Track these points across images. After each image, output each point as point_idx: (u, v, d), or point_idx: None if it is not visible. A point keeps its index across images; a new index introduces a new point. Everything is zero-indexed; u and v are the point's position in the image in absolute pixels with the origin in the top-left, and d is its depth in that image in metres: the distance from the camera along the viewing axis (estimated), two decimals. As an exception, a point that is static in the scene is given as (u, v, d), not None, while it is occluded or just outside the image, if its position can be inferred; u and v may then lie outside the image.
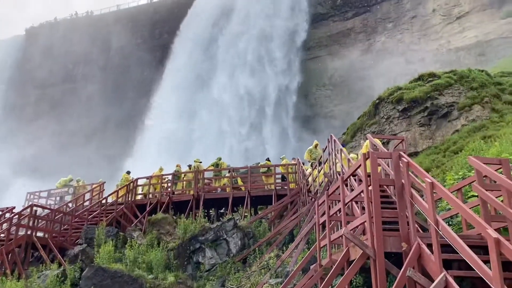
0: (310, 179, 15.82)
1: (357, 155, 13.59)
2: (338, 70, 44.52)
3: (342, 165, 11.33)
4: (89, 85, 60.83)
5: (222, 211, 20.53)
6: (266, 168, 20.43)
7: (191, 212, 18.33)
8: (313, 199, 14.14)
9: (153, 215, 17.82)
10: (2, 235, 14.63)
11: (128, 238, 15.47)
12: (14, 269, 13.39)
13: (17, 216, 15.03)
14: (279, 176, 20.17)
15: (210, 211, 21.12)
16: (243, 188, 19.86)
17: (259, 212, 19.98)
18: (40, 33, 69.14)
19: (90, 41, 61.96)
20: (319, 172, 14.26)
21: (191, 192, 19.46)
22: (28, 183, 39.33)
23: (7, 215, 16.19)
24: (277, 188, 19.12)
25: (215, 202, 20.14)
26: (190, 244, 14.47)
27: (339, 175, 11.43)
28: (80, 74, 63.33)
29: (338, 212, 8.57)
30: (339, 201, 8.44)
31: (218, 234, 14.68)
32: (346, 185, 8.71)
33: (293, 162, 19.90)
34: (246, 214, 17.98)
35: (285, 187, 18.91)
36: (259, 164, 23.52)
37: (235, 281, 12.03)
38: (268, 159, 22.17)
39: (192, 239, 14.57)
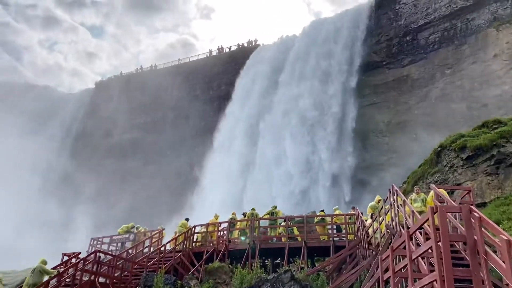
0: (370, 230, 15.27)
1: (421, 199, 12.92)
2: (394, 117, 43.80)
3: (405, 218, 10.87)
4: (151, 135, 63.94)
5: (278, 261, 20.17)
6: (320, 218, 20.07)
7: (247, 262, 18.17)
8: (374, 252, 13.59)
9: (209, 264, 17.84)
10: (68, 280, 15.18)
11: (186, 287, 15.51)
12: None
13: (82, 261, 15.61)
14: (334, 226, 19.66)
15: (266, 261, 20.81)
16: (299, 238, 19.52)
17: (316, 264, 19.42)
18: (107, 86, 74.49)
19: (153, 93, 65.74)
20: (379, 223, 13.76)
21: (247, 241, 19.38)
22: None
23: (73, 260, 16.86)
24: (334, 239, 18.61)
25: (271, 252, 19.87)
26: (247, 296, 14.25)
27: (402, 227, 10.98)
28: (142, 124, 66.88)
29: (403, 268, 8.17)
30: (404, 256, 8.07)
31: (274, 286, 14.34)
32: (411, 239, 8.33)
33: (351, 212, 19.39)
34: (302, 265, 17.54)
35: (343, 238, 18.36)
36: (314, 213, 23.15)
37: (294, 337, 11.57)
38: (323, 211, 21.83)
39: (248, 290, 14.35)
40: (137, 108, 66.62)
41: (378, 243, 13.51)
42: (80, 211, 56.49)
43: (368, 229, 15.65)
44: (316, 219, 20.29)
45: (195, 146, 56.76)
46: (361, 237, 16.16)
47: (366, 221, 16.95)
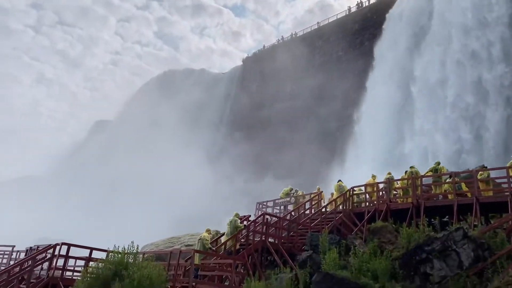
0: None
1: None
2: None
3: None
4: (298, 102, 65.33)
5: (445, 219, 18.99)
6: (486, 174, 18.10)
7: (411, 221, 17.57)
8: None
9: (372, 224, 17.78)
10: (242, 240, 16.89)
11: (351, 246, 15.80)
12: (254, 271, 15.27)
13: (253, 223, 17.14)
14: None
15: (432, 219, 19.78)
16: (469, 194, 18.00)
17: (491, 221, 17.72)
18: (253, 61, 78.14)
19: (296, 61, 66.64)
20: None
21: (409, 200, 18.68)
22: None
23: (245, 222, 18.64)
24: (512, 193, 16.60)
25: (437, 210, 18.78)
26: (415, 254, 13.83)
27: None
28: (288, 93, 68.67)
29: None
30: None
31: (445, 244, 13.62)
32: None
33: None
34: (475, 223, 16.20)
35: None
36: (485, 168, 20.91)
37: (473, 296, 10.92)
38: (484, 166, 19.67)
39: (416, 249, 13.91)
40: (284, 78, 68.47)
41: None
42: (243, 179, 61.58)
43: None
44: (479, 175, 18.30)
45: (344, 107, 56.05)
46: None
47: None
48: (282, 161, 60.95)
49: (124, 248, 12.28)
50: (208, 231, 17.31)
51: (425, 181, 19.96)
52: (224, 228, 18.83)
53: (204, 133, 74.77)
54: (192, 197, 61.96)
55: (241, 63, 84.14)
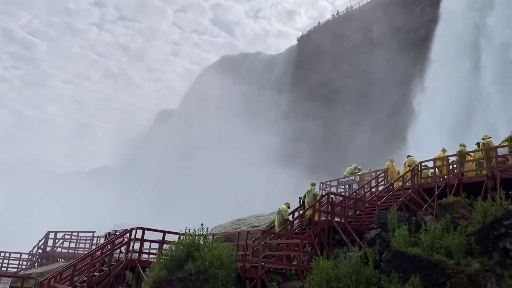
0: None
1: None
2: None
3: None
4: (355, 79, 63.49)
5: (526, 191, 17.72)
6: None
7: (487, 194, 16.60)
8: None
9: (443, 199, 17.03)
10: (306, 221, 16.89)
11: (421, 223, 15.27)
12: (322, 250, 15.26)
13: (312, 207, 17.04)
14: None
15: (510, 192, 18.53)
16: (552, 163, 16.64)
17: None
18: (309, 39, 76.76)
19: (352, 35, 64.55)
20: None
21: (484, 172, 17.62)
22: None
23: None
24: None
25: (515, 182, 17.57)
26: (493, 229, 13.09)
27: None
28: (346, 69, 66.84)
29: None
30: None
31: (527, 218, 12.76)
32: None
33: None
34: (560, 194, 14.98)
35: None
36: None
37: (561, 272, 10.17)
38: None
39: (494, 224, 13.14)
40: (341, 54, 66.72)
41: None
42: (305, 161, 61.41)
43: None
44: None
45: (406, 80, 53.60)
46: None
47: None
48: (347, 140, 59.79)
49: (195, 231, 12.78)
50: (287, 204, 17.75)
51: (501, 152, 18.72)
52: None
53: (267, 114, 75.18)
54: (257, 180, 62.96)
55: (296, 42, 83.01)
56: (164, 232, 14.82)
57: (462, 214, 15.97)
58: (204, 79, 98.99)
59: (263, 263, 13.24)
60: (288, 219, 16.89)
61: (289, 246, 15.02)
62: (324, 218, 16.83)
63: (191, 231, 12.86)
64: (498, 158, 18.26)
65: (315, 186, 18.72)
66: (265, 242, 14.58)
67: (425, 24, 53.35)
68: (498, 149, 18.19)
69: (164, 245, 14.19)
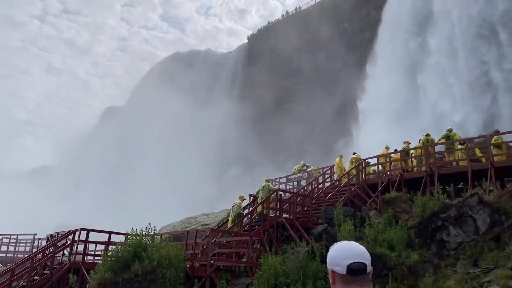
0: None
1: None
2: None
3: None
4: (306, 77, 64.73)
5: (460, 186, 18.88)
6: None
7: (426, 189, 17.53)
8: None
9: (386, 194, 17.78)
10: (256, 217, 17.05)
11: (365, 217, 15.86)
12: (271, 246, 15.44)
13: (265, 201, 17.22)
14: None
15: (446, 187, 19.69)
16: (483, 159, 17.83)
17: (507, 186, 17.57)
18: (259, 38, 77.25)
19: (302, 36, 65.70)
20: None
21: (423, 169, 18.59)
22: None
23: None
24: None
25: (451, 178, 18.67)
26: (431, 222, 13.84)
27: None
28: (295, 68, 67.97)
29: None
30: None
31: (461, 210, 13.59)
32: None
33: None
34: (491, 188, 16.08)
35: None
36: (498, 132, 20.65)
37: (491, 260, 10.93)
38: (497, 131, 19.49)
39: (432, 217, 13.91)
40: (289, 53, 67.68)
41: None
42: (255, 159, 61.76)
43: None
44: (493, 141, 18.10)
45: (351, 79, 55.38)
46: None
47: None
48: (292, 138, 60.85)
49: (142, 231, 12.49)
50: (241, 197, 17.98)
51: (439, 149, 19.85)
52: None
53: (214, 114, 74.75)
54: (204, 178, 62.56)
55: (246, 40, 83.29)
56: (110, 233, 14.36)
57: (403, 209, 16.78)
58: (153, 76, 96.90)
59: (212, 261, 13.19)
60: (241, 213, 17.02)
61: (239, 244, 15.07)
62: (273, 215, 17.04)
63: (138, 231, 12.57)
64: (437, 155, 19.37)
65: (270, 182, 18.94)
66: (215, 240, 14.53)
67: (370, 26, 55.36)
68: (437, 146, 19.30)
69: (110, 246, 13.76)
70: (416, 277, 11.93)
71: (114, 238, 14.52)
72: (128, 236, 12.78)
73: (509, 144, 18.35)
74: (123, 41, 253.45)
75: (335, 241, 14.14)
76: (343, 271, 1.88)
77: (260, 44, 74.92)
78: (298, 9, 72.32)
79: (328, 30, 62.31)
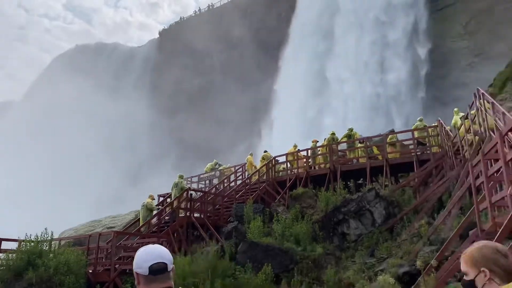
0: (456, 140, 14.60)
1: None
2: (475, 16, 39.69)
3: (496, 120, 10.18)
4: (219, 75, 64.76)
5: (360, 182, 20.24)
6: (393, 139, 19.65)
7: (329, 185, 18.50)
8: (462, 162, 13.06)
9: (293, 190, 18.42)
10: (166, 217, 16.65)
11: (274, 213, 16.27)
12: (180, 247, 15.17)
13: (176, 200, 16.91)
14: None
15: (348, 182, 20.97)
16: (380, 157, 19.28)
17: (400, 181, 19.22)
18: (171, 33, 75.54)
19: (215, 34, 65.56)
20: (467, 131, 13.05)
21: (327, 166, 19.59)
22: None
23: (168, 199, 18.38)
24: (418, 154, 18.13)
25: (352, 174, 19.92)
26: (333, 216, 14.63)
27: (492, 132, 10.35)
28: (208, 66, 67.67)
29: (496, 173, 7.80)
30: (496, 160, 7.67)
31: (360, 204, 14.54)
32: (504, 142, 7.83)
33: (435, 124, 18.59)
34: (386, 183, 17.45)
35: (427, 152, 17.83)
36: (393, 132, 22.53)
37: (385, 250, 11.83)
38: (392, 130, 21.47)
39: (334, 211, 14.71)
40: (201, 51, 67.19)
41: (466, 151, 12.91)
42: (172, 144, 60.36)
43: (453, 139, 14.96)
44: (388, 139, 19.72)
45: (263, 79, 56.61)
46: (447, 148, 15.53)
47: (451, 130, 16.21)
48: (205, 136, 60.58)
49: (37, 236, 11.52)
50: (151, 196, 17.42)
51: (342, 147, 21.08)
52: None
53: (122, 110, 71.47)
54: (111, 178, 59.70)
55: (158, 35, 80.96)
56: (0, 240, 13.01)
57: (309, 204, 17.51)
58: (55, 69, 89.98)
59: (117, 265, 12.58)
60: (152, 212, 16.51)
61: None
62: (183, 215, 16.77)
63: (33, 237, 11.56)
64: (339, 152, 20.55)
65: (183, 178, 18.62)
66: (120, 243, 13.89)
67: (281, 27, 56.95)
68: (340, 145, 20.48)
69: (0, 254, 12.47)
70: (320, 269, 12.50)
71: (6, 245, 13.20)
72: (22, 243, 11.69)
73: (403, 142, 20.12)
74: (21, 30, 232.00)
75: (245, 238, 14.35)
76: (146, 272, 2.06)
77: (173, 40, 73.30)
78: (210, 6, 72.00)
79: (241, 29, 62.93)
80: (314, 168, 20.86)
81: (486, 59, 37.27)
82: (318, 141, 21.82)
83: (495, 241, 6.29)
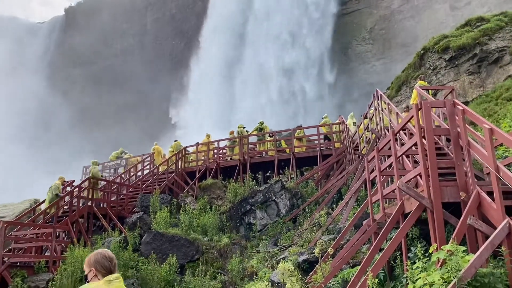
0: (356, 137, 15.65)
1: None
2: (377, 22, 42.75)
3: (390, 120, 11.09)
4: (128, 60, 61.96)
5: (268, 174, 20.82)
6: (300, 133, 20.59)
7: (238, 177, 18.75)
8: (360, 157, 14.04)
9: (203, 181, 18.36)
10: (66, 207, 15.60)
11: (182, 204, 16.08)
12: (79, 238, 14.33)
13: (77, 189, 15.91)
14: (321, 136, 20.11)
15: (257, 174, 21.44)
16: (287, 150, 19.98)
17: (305, 173, 20.11)
18: (78, 12, 70.56)
19: (127, 16, 62.58)
20: (365, 128, 14.05)
21: (237, 157, 19.82)
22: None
23: (68, 188, 17.23)
24: (321, 148, 19.11)
25: (261, 166, 20.42)
26: (241, 207, 14.88)
27: (387, 130, 11.25)
28: (118, 49, 64.45)
29: (388, 167, 8.50)
30: (389, 156, 8.35)
31: (267, 196, 14.97)
32: (396, 140, 8.56)
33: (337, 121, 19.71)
34: (292, 175, 18.15)
35: (330, 147, 18.86)
36: (301, 127, 23.48)
37: (287, 239, 12.32)
38: (300, 126, 22.45)
39: (242, 202, 14.97)
40: (111, 34, 63.79)
41: (364, 147, 13.90)
42: (68, 143, 56.60)
43: (353, 135, 16.01)
44: (296, 134, 20.57)
45: (176, 68, 55.41)
46: (347, 144, 16.57)
47: (351, 128, 17.31)
48: (112, 123, 57.78)
49: None
50: (61, 178, 16.40)
51: (253, 139, 21.48)
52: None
53: (18, 92, 65.25)
54: (10, 165, 54.43)
55: (63, 13, 75.13)
56: None
57: (218, 195, 17.58)
58: None
59: (5, 258, 11.53)
60: (57, 195, 15.29)
61: (41, 236, 13.54)
62: (84, 204, 15.84)
63: None
64: (250, 145, 20.92)
65: (96, 165, 17.57)
66: (11, 234, 12.75)
67: (195, 15, 56.04)
68: (250, 137, 20.83)
69: None
70: (225, 259, 12.65)
71: None
72: None
73: (309, 138, 21.08)
74: None
75: (150, 229, 14.00)
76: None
77: (80, 19, 68.52)
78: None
79: (155, 14, 60.87)
80: (225, 159, 20.98)
81: (386, 64, 40.44)
82: (245, 127, 21.86)
83: (385, 230, 6.86)
